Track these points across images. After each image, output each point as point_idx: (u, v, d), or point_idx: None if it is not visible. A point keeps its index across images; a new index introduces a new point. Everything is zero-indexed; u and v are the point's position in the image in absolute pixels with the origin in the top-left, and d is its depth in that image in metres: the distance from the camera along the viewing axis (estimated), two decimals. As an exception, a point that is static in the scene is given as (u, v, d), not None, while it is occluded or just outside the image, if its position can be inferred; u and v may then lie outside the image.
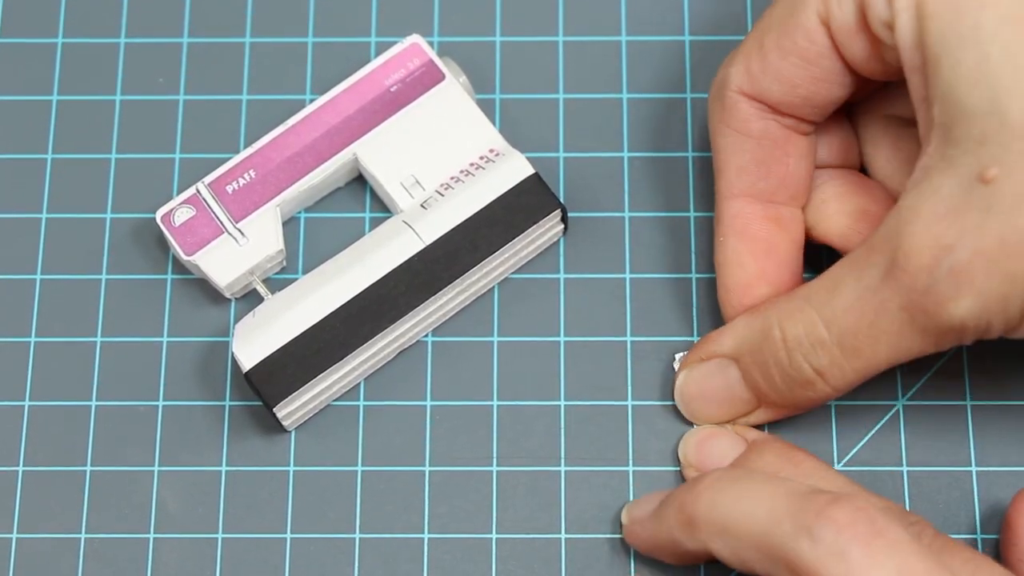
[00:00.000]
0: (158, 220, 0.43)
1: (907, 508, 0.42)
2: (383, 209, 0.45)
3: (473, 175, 0.43)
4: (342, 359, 0.41)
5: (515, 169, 0.43)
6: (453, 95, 0.44)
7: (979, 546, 0.41)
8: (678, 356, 0.43)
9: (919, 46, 0.35)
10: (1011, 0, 0.34)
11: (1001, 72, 0.34)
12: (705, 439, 0.41)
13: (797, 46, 0.38)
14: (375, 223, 0.45)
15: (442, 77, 0.44)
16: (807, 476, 0.38)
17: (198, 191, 0.44)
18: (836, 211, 0.41)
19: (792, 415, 0.41)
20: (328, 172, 0.44)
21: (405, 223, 0.43)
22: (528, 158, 0.43)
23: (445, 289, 0.42)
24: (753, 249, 0.41)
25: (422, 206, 0.43)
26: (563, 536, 0.42)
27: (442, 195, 0.43)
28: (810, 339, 0.38)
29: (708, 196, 0.45)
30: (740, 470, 0.38)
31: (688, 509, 0.37)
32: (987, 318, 0.35)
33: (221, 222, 0.43)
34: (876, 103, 0.42)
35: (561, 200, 0.44)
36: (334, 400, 0.43)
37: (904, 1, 0.35)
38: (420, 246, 0.42)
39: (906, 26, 0.36)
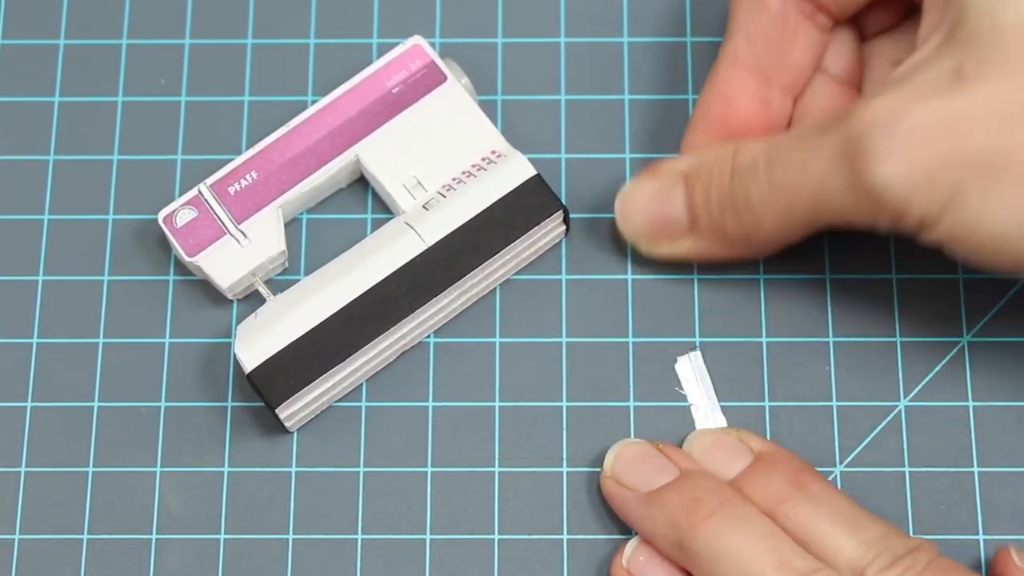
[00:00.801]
0: (160, 221, 0.43)
1: (909, 509, 0.42)
2: (385, 210, 0.45)
3: (475, 176, 0.43)
4: (344, 360, 0.41)
5: (517, 170, 0.43)
6: (455, 96, 0.44)
7: (981, 547, 0.41)
8: (680, 360, 0.43)
9: None
10: None
11: None
12: (712, 446, 0.41)
13: None
14: (377, 224, 0.45)
15: (444, 78, 0.44)
16: (814, 502, 0.38)
17: (200, 192, 0.44)
18: (820, 111, 0.42)
19: (714, 258, 0.41)
20: (330, 173, 0.44)
21: (407, 224, 0.43)
22: (530, 159, 0.43)
23: (447, 290, 0.42)
24: (731, 120, 0.41)
25: (424, 207, 0.43)
26: (565, 537, 0.42)
27: (444, 196, 0.43)
28: (753, 166, 0.39)
29: (710, 197, 0.45)
30: (743, 509, 0.38)
31: (683, 535, 0.38)
32: (907, 195, 0.35)
33: (223, 223, 0.43)
34: (887, 47, 0.42)
35: (563, 201, 0.44)
36: (336, 401, 0.43)
37: None
38: (422, 247, 0.42)
39: None
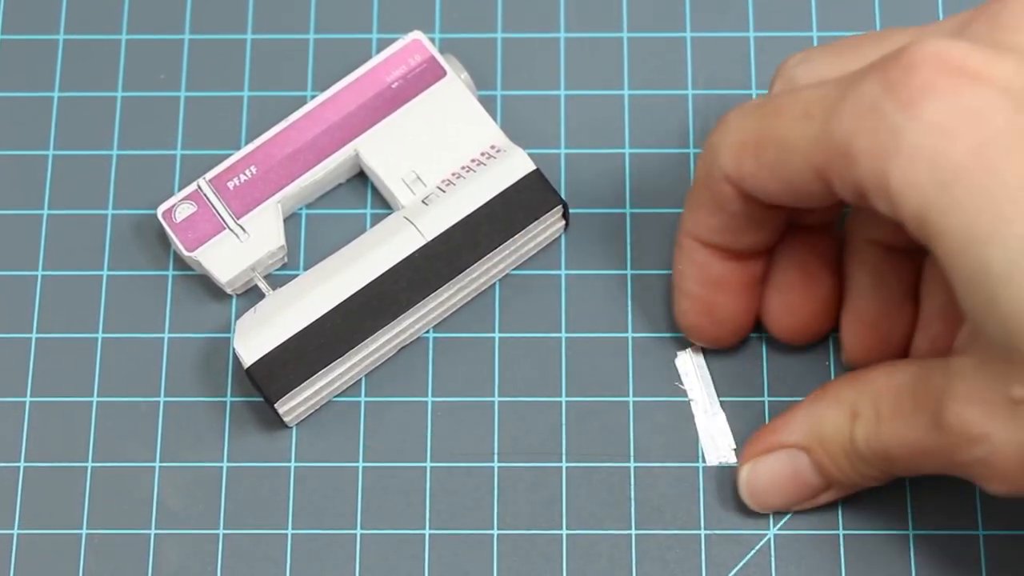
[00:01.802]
0: (159, 216, 0.43)
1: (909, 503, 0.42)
2: (384, 205, 0.45)
3: (474, 171, 0.43)
4: (343, 355, 0.41)
5: (516, 165, 0.43)
6: (454, 91, 0.44)
7: None
8: (680, 355, 0.43)
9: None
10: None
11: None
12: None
13: (789, 177, 0.36)
14: (376, 219, 0.45)
15: (443, 73, 0.44)
16: None
17: (199, 187, 0.44)
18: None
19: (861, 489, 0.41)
20: (329, 168, 0.44)
21: (406, 219, 0.43)
22: (529, 154, 0.43)
23: (446, 285, 0.42)
24: (706, 283, 0.41)
25: (423, 202, 0.43)
26: (564, 532, 0.42)
27: (443, 191, 0.43)
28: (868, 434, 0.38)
29: (709, 192, 0.45)
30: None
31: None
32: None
33: (222, 218, 0.43)
34: (857, 227, 0.41)
35: (562, 196, 0.44)
36: (335, 396, 0.43)
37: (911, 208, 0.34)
38: (421, 242, 0.42)
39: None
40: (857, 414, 0.38)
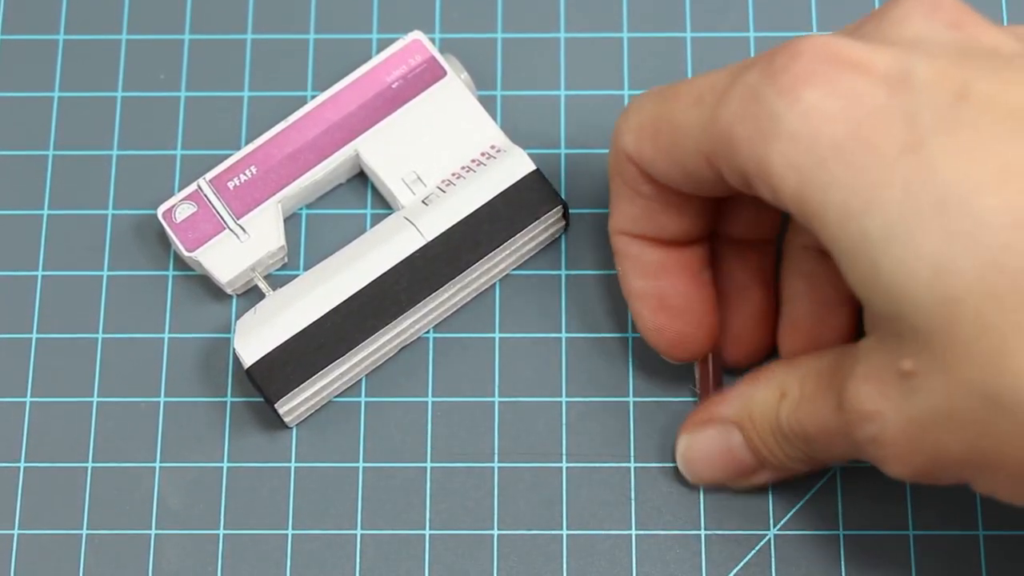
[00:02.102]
0: (159, 216, 0.43)
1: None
2: (384, 205, 0.45)
3: (474, 171, 0.43)
4: (343, 355, 0.41)
5: (516, 165, 0.43)
6: (454, 92, 0.44)
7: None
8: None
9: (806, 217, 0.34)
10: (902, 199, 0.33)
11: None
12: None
13: (681, 160, 0.37)
14: (376, 219, 0.45)
15: (443, 74, 0.44)
16: None
17: (199, 187, 0.44)
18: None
19: (797, 475, 0.41)
20: (329, 168, 0.44)
21: (406, 219, 0.43)
22: (529, 154, 0.43)
23: (446, 285, 0.42)
24: (647, 274, 0.41)
25: (423, 202, 0.43)
26: (564, 532, 0.42)
27: (443, 191, 0.43)
28: (790, 407, 0.38)
29: (710, 192, 0.45)
30: None
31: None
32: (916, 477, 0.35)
33: (222, 218, 0.43)
34: (792, 234, 0.41)
35: (563, 196, 0.44)
36: (335, 396, 0.43)
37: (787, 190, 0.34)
38: (421, 242, 0.42)
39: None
40: (784, 393, 0.38)
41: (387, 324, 0.42)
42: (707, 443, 0.41)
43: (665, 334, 0.41)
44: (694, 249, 0.41)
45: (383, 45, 0.46)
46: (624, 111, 0.39)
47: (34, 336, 0.44)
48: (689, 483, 0.42)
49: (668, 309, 0.41)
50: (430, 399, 0.43)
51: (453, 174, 0.43)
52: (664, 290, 0.41)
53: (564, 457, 0.43)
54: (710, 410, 0.40)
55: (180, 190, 0.44)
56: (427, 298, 0.42)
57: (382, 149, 0.44)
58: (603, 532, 0.42)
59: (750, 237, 0.42)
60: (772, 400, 0.38)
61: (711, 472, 0.41)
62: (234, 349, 0.42)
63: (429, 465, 0.43)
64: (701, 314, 0.41)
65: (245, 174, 0.44)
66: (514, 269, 0.44)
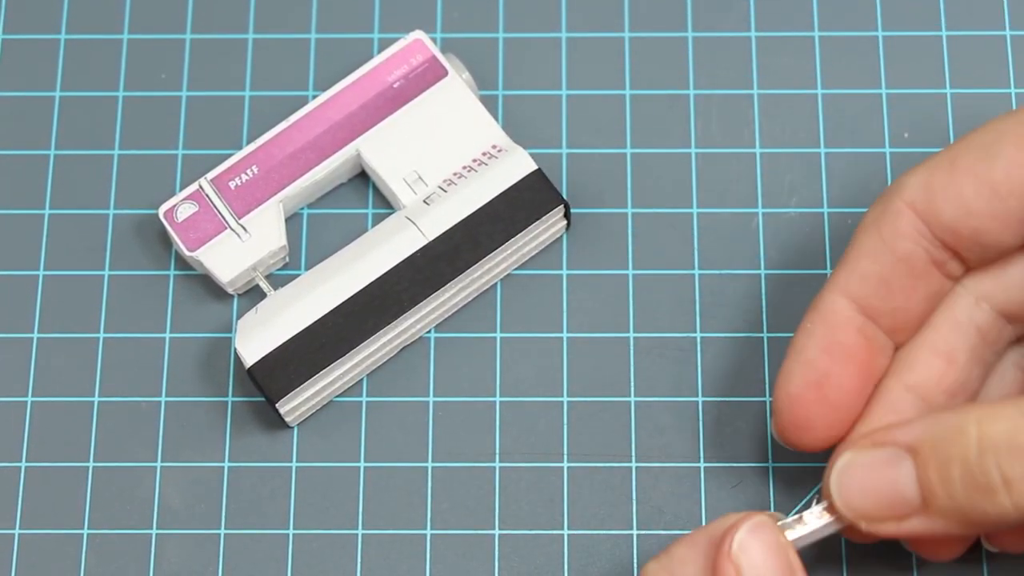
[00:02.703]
0: (161, 216, 0.43)
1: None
2: (386, 205, 0.45)
3: (476, 171, 0.43)
4: (345, 355, 0.41)
5: (518, 165, 0.43)
6: (456, 91, 0.44)
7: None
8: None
9: None
10: None
11: None
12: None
13: (992, 175, 0.36)
14: (378, 219, 0.45)
15: (445, 73, 0.44)
16: None
17: (201, 187, 0.44)
18: None
19: (949, 537, 0.37)
20: (331, 168, 0.44)
21: (408, 219, 0.43)
22: (531, 154, 0.43)
23: (448, 285, 0.42)
24: (832, 351, 0.38)
25: (425, 202, 0.43)
26: (565, 532, 0.42)
27: (445, 191, 0.43)
28: (1011, 443, 0.33)
29: (711, 192, 0.45)
30: None
31: None
32: None
33: (224, 218, 0.43)
34: (974, 282, 0.38)
35: (564, 196, 0.44)
36: (337, 396, 0.43)
37: None
38: (423, 242, 0.42)
39: None
40: (987, 418, 0.34)
41: (388, 324, 0.42)
42: (870, 466, 0.36)
43: (797, 413, 0.38)
44: (886, 351, 0.38)
45: (384, 45, 0.46)
46: (901, 176, 0.37)
47: (35, 336, 0.44)
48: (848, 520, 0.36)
49: (821, 391, 0.38)
50: (431, 399, 0.43)
51: (454, 174, 0.43)
52: (832, 374, 0.38)
53: (565, 457, 0.43)
54: (887, 431, 0.36)
55: (181, 190, 0.44)
56: (428, 298, 0.42)
57: (383, 149, 0.44)
58: (604, 532, 0.42)
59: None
60: (971, 430, 0.34)
61: (863, 502, 0.36)
62: (235, 349, 0.42)
63: (430, 465, 0.43)
64: (839, 421, 0.38)
65: (246, 174, 0.44)
66: (515, 269, 0.44)
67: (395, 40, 0.45)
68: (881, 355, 0.38)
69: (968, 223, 0.36)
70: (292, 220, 0.45)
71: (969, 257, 0.38)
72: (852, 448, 0.36)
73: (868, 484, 0.35)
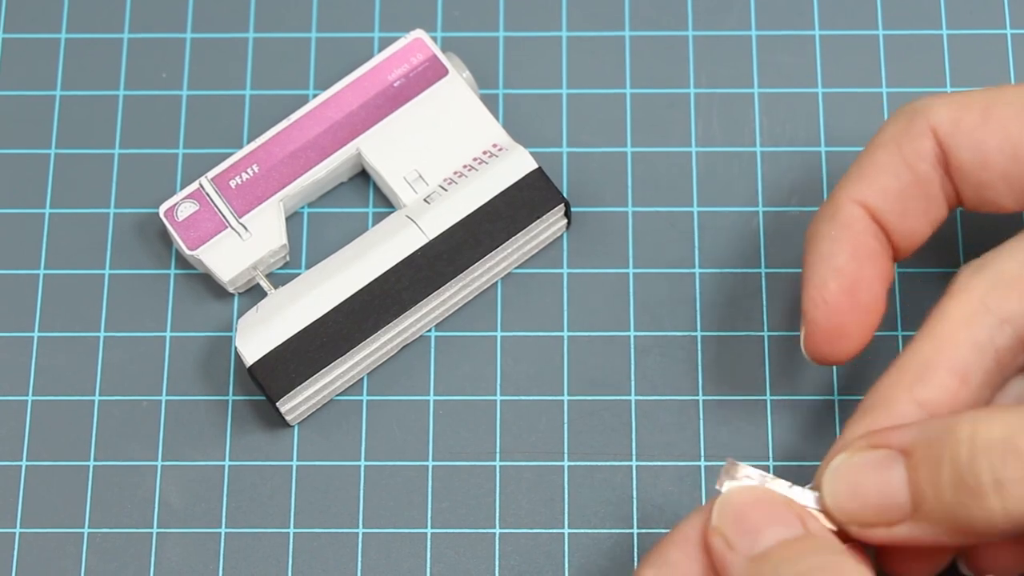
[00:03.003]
0: (161, 215, 0.43)
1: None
2: (386, 204, 0.45)
3: (476, 170, 0.43)
4: (345, 354, 0.41)
5: (518, 164, 0.43)
6: (456, 90, 0.44)
7: None
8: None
9: None
10: None
11: None
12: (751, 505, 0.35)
13: (1022, 138, 0.36)
14: (378, 218, 0.45)
15: (445, 72, 0.44)
16: None
17: (201, 186, 0.44)
18: None
19: (938, 546, 0.35)
20: (331, 167, 0.44)
21: (408, 218, 0.43)
22: (531, 153, 0.43)
23: (448, 284, 0.42)
24: (859, 256, 0.38)
25: (425, 201, 0.43)
26: (566, 531, 0.42)
27: (445, 190, 0.43)
28: (1005, 446, 0.32)
29: (711, 191, 0.45)
30: None
31: None
32: None
33: (224, 217, 0.43)
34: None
35: (564, 195, 0.44)
36: (337, 395, 0.43)
37: None
38: (423, 241, 0.42)
39: None
40: (982, 421, 0.33)
41: (389, 322, 0.42)
42: (863, 468, 0.35)
43: (832, 320, 0.38)
44: (890, 265, 0.39)
45: (385, 44, 0.46)
46: (929, 96, 0.38)
47: (36, 335, 0.44)
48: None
49: (855, 298, 0.38)
50: (432, 397, 0.43)
51: (455, 172, 0.43)
52: (864, 279, 0.38)
53: (565, 456, 0.43)
54: (883, 433, 0.35)
55: (182, 189, 0.44)
56: (429, 296, 0.42)
57: (384, 148, 0.44)
58: (604, 531, 0.42)
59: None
60: (964, 432, 0.33)
61: (853, 504, 0.35)
62: (236, 347, 0.42)
63: (431, 463, 0.43)
64: (871, 324, 0.38)
65: (247, 173, 0.44)
66: (516, 268, 0.44)
67: (395, 39, 0.45)
68: (890, 263, 0.39)
69: (980, 174, 0.37)
70: (292, 219, 0.45)
71: (963, 199, 0.38)
72: (847, 450, 0.35)
73: (860, 486, 0.35)
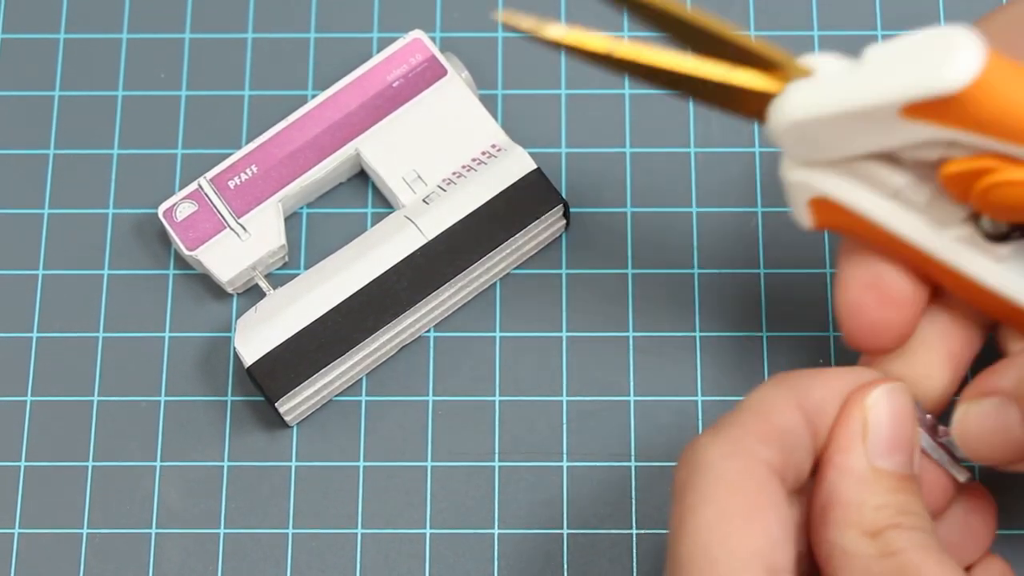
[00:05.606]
0: (160, 215, 0.43)
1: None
2: (385, 204, 0.45)
3: (475, 170, 0.43)
4: (344, 354, 0.41)
5: (517, 164, 0.43)
6: (455, 90, 0.44)
7: None
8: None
9: None
10: None
11: None
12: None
13: None
14: (377, 218, 0.45)
15: (444, 72, 0.44)
16: None
17: (200, 186, 0.44)
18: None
19: None
20: (330, 167, 0.44)
21: (407, 218, 0.43)
22: (530, 153, 0.43)
23: (447, 284, 0.42)
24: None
25: (424, 201, 0.43)
26: (565, 532, 0.42)
27: (444, 190, 0.43)
28: None
29: (709, 192, 0.45)
30: None
31: None
32: None
33: (223, 217, 0.43)
34: None
35: (563, 195, 0.44)
36: (336, 395, 0.43)
37: None
38: (422, 241, 0.42)
39: None
40: None
41: (388, 323, 0.42)
42: (983, 417, 0.36)
43: (861, 316, 0.37)
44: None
45: (384, 44, 0.46)
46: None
47: (34, 335, 0.44)
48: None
49: (880, 292, 0.37)
50: (431, 398, 0.43)
51: (454, 173, 0.43)
52: (888, 274, 0.37)
53: (564, 456, 0.43)
54: (988, 380, 0.36)
55: (181, 189, 0.44)
56: (428, 297, 0.42)
57: (383, 148, 0.44)
58: (603, 531, 0.42)
59: None
60: None
61: (987, 450, 0.36)
62: (235, 348, 0.42)
63: (429, 464, 0.43)
64: (907, 318, 0.37)
65: (246, 173, 0.44)
66: (515, 268, 0.44)
67: (394, 39, 0.45)
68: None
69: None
70: (291, 219, 0.45)
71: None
72: (964, 400, 0.36)
73: (985, 433, 0.36)
